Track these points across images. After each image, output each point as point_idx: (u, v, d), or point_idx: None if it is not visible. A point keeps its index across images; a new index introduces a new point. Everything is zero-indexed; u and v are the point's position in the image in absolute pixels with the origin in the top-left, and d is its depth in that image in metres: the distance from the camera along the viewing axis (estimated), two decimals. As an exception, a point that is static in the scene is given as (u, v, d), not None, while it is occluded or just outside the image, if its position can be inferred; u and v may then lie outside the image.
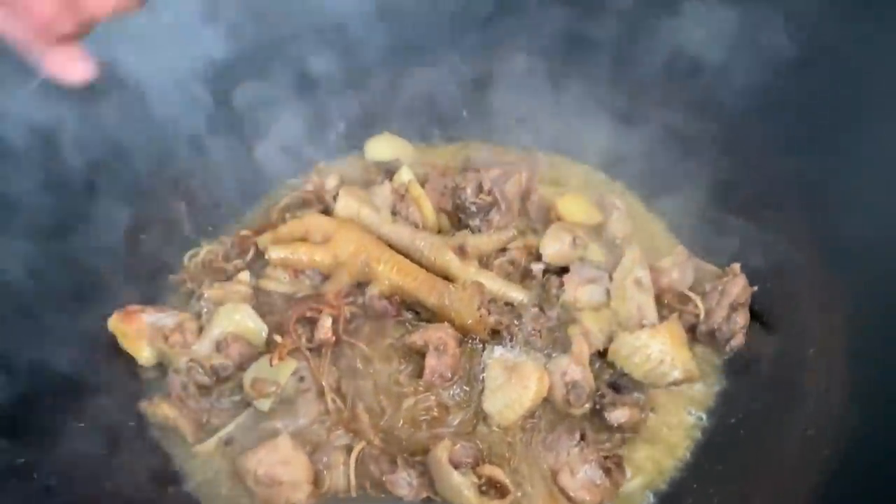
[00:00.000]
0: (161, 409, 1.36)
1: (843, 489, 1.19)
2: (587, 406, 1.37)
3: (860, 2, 1.49)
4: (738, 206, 1.67)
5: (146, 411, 1.40)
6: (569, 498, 1.27)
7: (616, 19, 1.77)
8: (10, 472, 1.19)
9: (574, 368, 1.38)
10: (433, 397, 1.40)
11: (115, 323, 1.47)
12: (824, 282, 1.46)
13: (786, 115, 1.61)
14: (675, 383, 1.41)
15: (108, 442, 1.35)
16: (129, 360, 1.48)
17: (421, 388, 1.41)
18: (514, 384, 1.36)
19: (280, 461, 1.26)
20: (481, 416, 1.37)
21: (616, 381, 1.42)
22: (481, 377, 1.41)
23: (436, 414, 1.38)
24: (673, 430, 1.38)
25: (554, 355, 1.43)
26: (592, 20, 1.80)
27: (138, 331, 1.47)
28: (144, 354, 1.46)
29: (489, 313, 1.45)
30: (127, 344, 1.47)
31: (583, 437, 1.31)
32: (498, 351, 1.43)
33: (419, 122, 1.99)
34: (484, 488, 1.24)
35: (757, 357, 1.46)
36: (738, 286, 1.46)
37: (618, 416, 1.34)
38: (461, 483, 1.21)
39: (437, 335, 1.43)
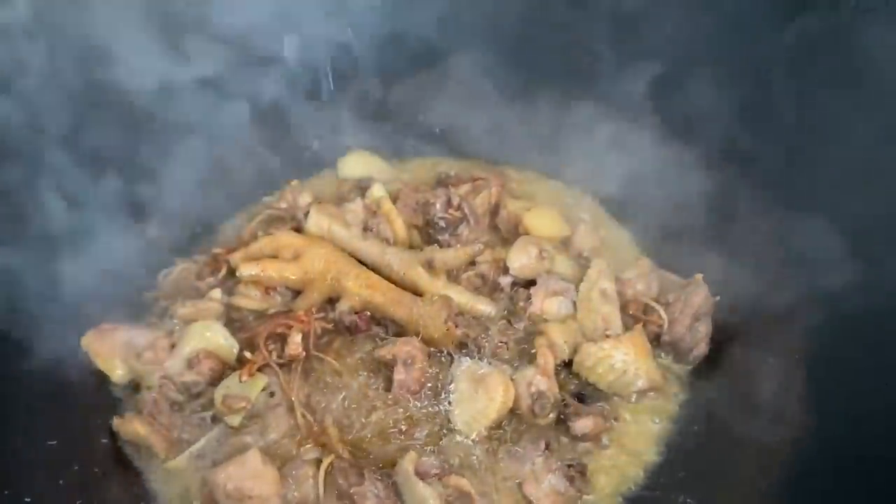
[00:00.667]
0: (133, 426, 1.37)
1: (802, 494, 1.22)
2: (552, 416, 1.39)
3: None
4: (701, 220, 1.70)
5: (118, 428, 1.41)
6: (536, 510, 1.28)
7: (594, 32, 1.81)
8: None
9: (539, 379, 1.40)
10: (401, 410, 1.42)
11: (88, 341, 1.49)
12: (784, 293, 1.49)
13: (752, 133, 1.65)
14: (640, 392, 1.44)
15: (82, 459, 1.36)
16: (102, 378, 1.49)
17: (389, 402, 1.43)
18: (480, 395, 1.39)
19: (249, 476, 1.28)
20: (448, 428, 1.39)
21: (581, 391, 1.45)
22: (449, 389, 1.43)
23: (404, 427, 1.40)
24: (637, 438, 1.40)
25: (520, 367, 1.46)
26: (572, 35, 1.85)
27: (111, 349, 1.48)
28: (117, 372, 1.48)
29: (456, 326, 1.48)
30: (100, 362, 1.49)
31: (547, 447, 1.33)
32: (465, 363, 1.45)
33: (392, 138, 2.03)
34: (451, 499, 1.26)
35: (719, 366, 1.49)
36: (700, 296, 1.49)
37: (582, 425, 1.36)
38: (428, 494, 1.23)
39: (406, 349, 1.45)
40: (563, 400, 1.40)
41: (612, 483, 1.34)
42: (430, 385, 1.45)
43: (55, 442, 1.36)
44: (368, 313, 1.55)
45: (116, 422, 1.42)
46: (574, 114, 1.91)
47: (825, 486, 1.20)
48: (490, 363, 1.46)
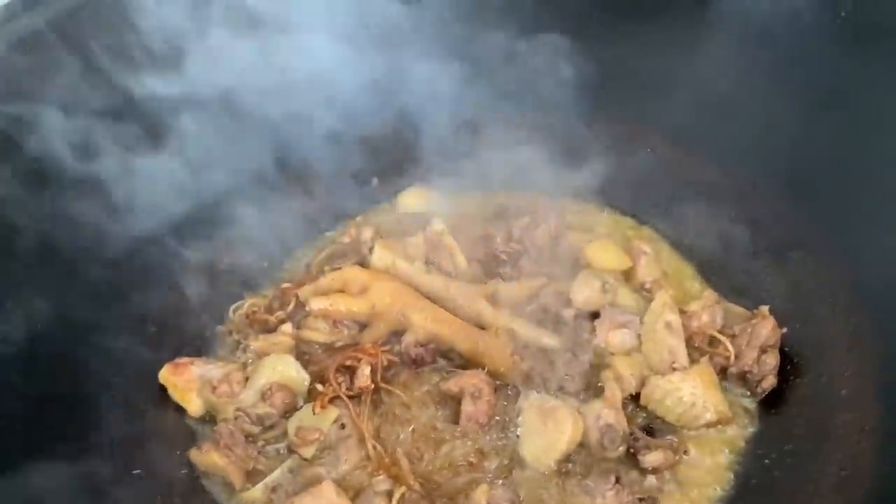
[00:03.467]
0: (210, 457, 1.42)
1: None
2: (621, 449, 1.39)
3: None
4: (765, 249, 1.70)
5: (196, 459, 1.45)
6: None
7: (643, 61, 1.84)
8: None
9: (607, 412, 1.41)
10: (470, 442, 1.44)
11: (165, 375, 1.55)
12: (853, 322, 1.48)
13: (811, 156, 1.65)
14: (708, 425, 1.44)
15: (163, 489, 1.41)
16: (179, 411, 1.55)
17: (458, 434, 1.45)
18: (549, 429, 1.40)
19: (324, 507, 1.31)
20: (517, 461, 1.41)
21: (649, 424, 1.45)
22: (517, 422, 1.45)
23: (473, 459, 1.42)
24: (707, 473, 1.40)
25: (587, 400, 1.46)
26: (620, 63, 1.88)
27: (188, 382, 1.54)
28: (194, 405, 1.53)
29: (522, 359, 1.50)
30: (177, 395, 1.54)
31: (618, 480, 1.33)
32: (533, 396, 1.47)
33: (450, 172, 2.07)
34: None
35: (788, 398, 1.48)
36: (767, 328, 1.48)
37: (652, 459, 1.36)
38: None
39: (472, 381, 1.48)
40: (632, 433, 1.40)
41: (684, 517, 1.33)
42: (497, 418, 1.47)
43: (140, 471, 1.41)
44: (434, 346, 1.57)
45: (194, 453, 1.46)
46: (630, 144, 1.94)
47: None
48: (557, 396, 1.47)
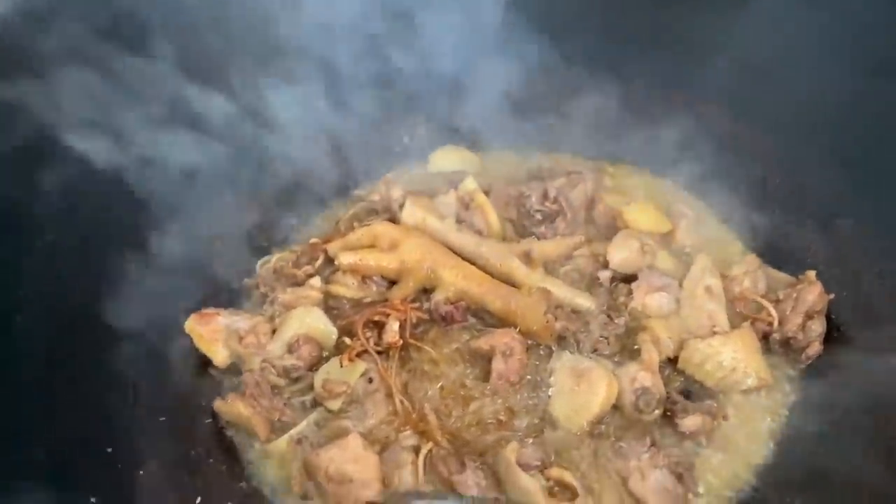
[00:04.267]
0: (235, 407, 1.40)
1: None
2: (657, 413, 1.35)
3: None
4: (810, 216, 1.63)
5: (220, 409, 1.43)
6: (639, 503, 1.24)
7: (684, 25, 1.77)
8: (98, 460, 1.24)
9: (643, 375, 1.36)
10: (500, 400, 1.40)
11: (191, 325, 1.52)
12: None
13: (860, 123, 1.57)
14: (749, 391, 1.38)
15: (186, 438, 1.39)
16: (204, 361, 1.53)
17: (487, 392, 1.42)
18: (582, 389, 1.35)
19: (350, 459, 1.28)
20: (548, 421, 1.37)
21: (687, 388, 1.40)
22: (549, 382, 1.40)
23: (503, 418, 1.38)
24: (746, 438, 1.35)
25: (622, 363, 1.42)
26: (661, 28, 1.81)
27: (214, 332, 1.51)
28: (220, 355, 1.51)
29: (556, 319, 1.45)
30: (203, 345, 1.52)
31: (653, 444, 1.29)
32: (566, 356, 1.42)
33: (482, 132, 2.02)
34: (553, 490, 1.23)
35: (834, 367, 1.42)
36: (813, 293, 1.42)
37: (690, 423, 1.32)
38: (530, 484, 1.20)
39: (504, 340, 1.43)
40: (669, 396, 1.35)
41: (720, 482, 1.29)
42: (528, 377, 1.43)
43: (164, 419, 1.39)
44: (464, 304, 1.53)
45: (218, 403, 1.44)
46: (670, 107, 1.87)
47: None
48: (591, 358, 1.42)
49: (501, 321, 1.50)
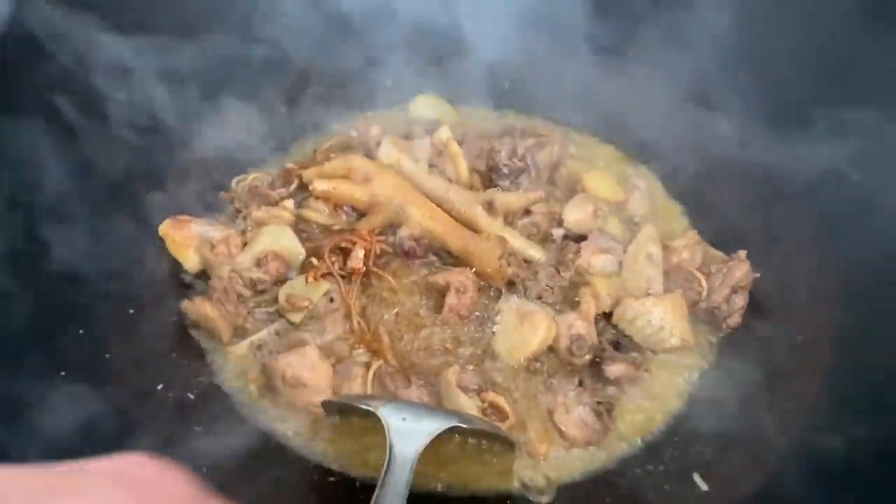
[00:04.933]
0: (203, 308, 1.49)
1: (812, 465, 1.30)
2: (587, 358, 1.49)
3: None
4: (751, 202, 1.77)
5: (187, 310, 1.52)
6: (561, 433, 1.39)
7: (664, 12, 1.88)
8: (72, 340, 1.32)
9: (580, 324, 1.50)
10: (449, 331, 1.53)
11: (165, 229, 1.60)
12: (821, 279, 1.57)
13: (813, 120, 1.70)
14: (672, 350, 1.54)
15: (153, 333, 1.48)
16: (175, 265, 1.61)
17: (438, 322, 1.54)
18: (524, 329, 1.49)
19: (307, 367, 1.39)
20: (490, 354, 1.50)
21: (617, 340, 1.54)
22: (495, 320, 1.53)
23: (449, 346, 1.51)
24: (664, 390, 1.50)
25: (563, 311, 1.55)
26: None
27: (187, 238, 1.59)
28: (190, 261, 1.59)
29: (508, 264, 1.57)
30: (175, 249, 1.60)
31: (580, 384, 1.43)
32: (513, 299, 1.55)
33: (462, 87, 2.11)
34: (486, 412, 1.37)
35: (750, 338, 1.57)
36: (741, 270, 1.57)
37: (615, 370, 1.46)
38: (466, 403, 1.34)
39: (459, 278, 1.55)
40: (600, 345, 1.49)
41: (635, 424, 1.44)
42: (477, 314, 1.55)
43: (132, 311, 1.48)
44: (427, 241, 1.64)
45: (186, 304, 1.53)
46: (639, 84, 1.99)
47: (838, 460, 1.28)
48: (535, 303, 1.55)
49: (459, 261, 1.62)
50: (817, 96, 1.67)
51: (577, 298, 1.58)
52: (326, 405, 1.32)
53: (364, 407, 1.20)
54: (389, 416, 1.15)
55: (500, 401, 1.37)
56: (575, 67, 2.05)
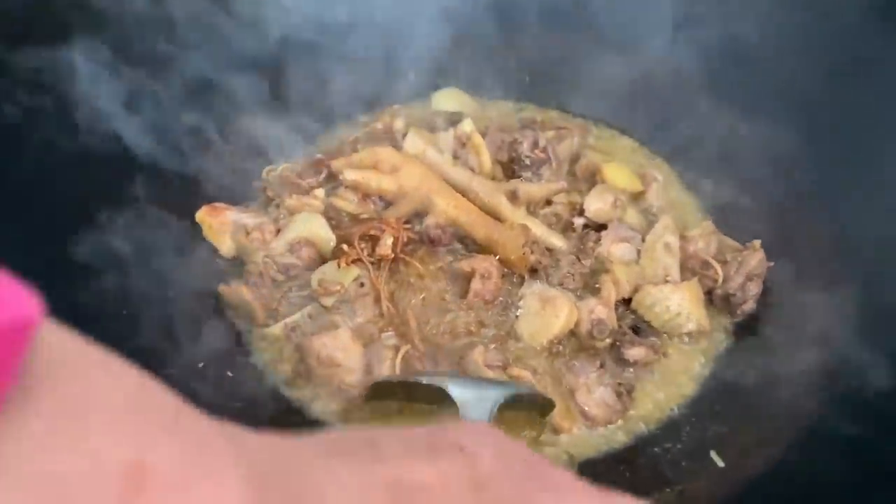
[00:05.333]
0: (239, 291, 1.56)
1: (816, 439, 1.36)
2: (608, 341, 1.55)
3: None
4: (767, 199, 1.83)
5: (224, 293, 1.59)
6: (583, 412, 1.45)
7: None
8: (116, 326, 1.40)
9: (601, 309, 1.56)
10: (473, 315, 1.59)
11: (202, 215, 1.67)
12: (834, 272, 1.63)
13: (824, 118, 1.76)
14: (689, 334, 1.60)
15: (191, 312, 1.55)
16: (211, 249, 1.68)
17: (463, 307, 1.60)
18: (546, 312, 1.55)
19: (340, 347, 1.46)
20: (513, 335, 1.57)
21: (636, 325, 1.60)
22: (518, 304, 1.60)
23: (473, 329, 1.57)
24: (681, 374, 1.56)
25: (584, 297, 1.61)
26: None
27: (222, 224, 1.67)
28: (226, 246, 1.66)
29: (532, 252, 1.64)
30: (211, 235, 1.67)
31: (602, 366, 1.50)
32: (536, 285, 1.61)
33: (483, 81, 2.16)
34: None
35: (763, 324, 1.63)
36: (755, 259, 1.63)
37: (634, 353, 1.52)
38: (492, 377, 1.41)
39: (484, 265, 1.62)
40: (621, 328, 1.55)
41: (654, 405, 1.50)
42: (501, 299, 1.62)
43: (172, 294, 1.55)
44: (452, 230, 1.70)
45: (223, 287, 1.60)
46: (657, 77, 2.04)
47: (833, 444, 1.34)
48: (557, 289, 1.62)
49: (483, 249, 1.69)
50: (837, 97, 1.73)
51: (597, 285, 1.64)
52: (376, 387, 1.37)
53: (429, 382, 1.25)
54: (455, 389, 1.20)
55: (526, 374, 1.44)
56: (594, 60, 2.10)
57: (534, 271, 1.66)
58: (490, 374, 1.41)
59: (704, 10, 1.96)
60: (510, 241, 1.65)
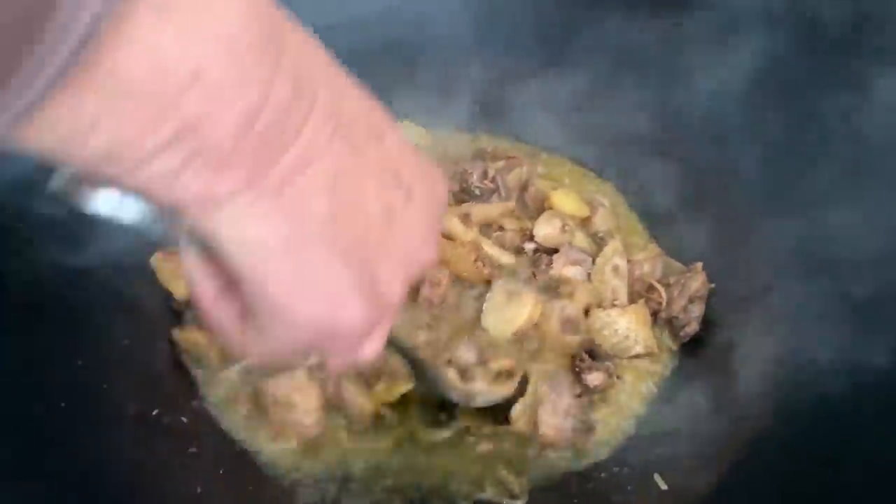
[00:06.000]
0: (193, 336, 1.57)
1: (756, 460, 1.41)
2: (578, 338, 1.63)
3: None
4: (709, 216, 1.89)
5: (178, 338, 1.61)
6: (536, 426, 1.50)
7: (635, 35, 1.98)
8: (69, 371, 1.41)
9: (571, 307, 1.63)
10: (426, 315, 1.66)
11: (157, 261, 1.68)
12: (775, 291, 1.68)
13: (765, 130, 1.82)
14: (637, 356, 1.65)
15: (146, 360, 1.57)
16: (167, 294, 1.69)
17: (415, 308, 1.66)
18: (512, 305, 1.61)
19: (296, 388, 1.48)
20: (478, 327, 1.64)
21: (591, 348, 1.65)
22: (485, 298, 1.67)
23: (430, 323, 1.65)
24: (631, 397, 1.61)
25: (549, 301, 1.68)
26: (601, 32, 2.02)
27: (177, 269, 1.67)
28: (180, 290, 1.67)
29: (483, 265, 1.70)
30: (165, 280, 1.67)
31: (580, 395, 1.54)
32: (501, 282, 1.68)
33: (435, 113, 2.20)
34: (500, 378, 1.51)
35: (706, 345, 1.69)
36: (697, 282, 1.69)
37: (593, 378, 1.56)
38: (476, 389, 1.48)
39: (435, 273, 1.67)
40: (578, 355, 1.60)
41: (604, 429, 1.55)
42: (453, 302, 1.69)
43: (127, 342, 1.56)
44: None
45: (177, 331, 1.61)
46: (604, 106, 2.09)
47: (781, 457, 1.40)
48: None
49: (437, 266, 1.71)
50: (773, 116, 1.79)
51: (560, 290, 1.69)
52: None
53: None
54: None
55: (509, 364, 1.50)
56: (545, 89, 2.15)
57: (488, 283, 1.70)
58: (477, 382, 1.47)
59: (660, 37, 1.99)
60: (462, 257, 1.70)
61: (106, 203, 0.62)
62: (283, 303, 0.60)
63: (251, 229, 0.55)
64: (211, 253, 0.61)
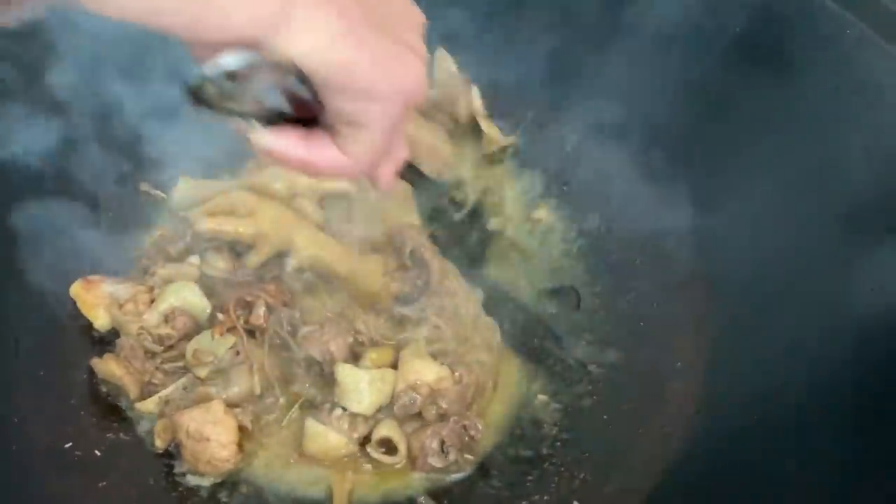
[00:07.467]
0: (109, 366, 1.56)
1: (685, 477, 1.44)
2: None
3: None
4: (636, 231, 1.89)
5: (96, 367, 1.59)
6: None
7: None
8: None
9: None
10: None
11: (76, 290, 1.66)
12: (701, 310, 1.70)
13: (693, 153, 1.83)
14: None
15: (62, 390, 1.56)
16: (86, 322, 1.67)
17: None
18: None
19: (211, 421, 1.47)
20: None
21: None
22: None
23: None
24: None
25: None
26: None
27: (96, 298, 1.66)
28: (100, 319, 1.66)
29: (392, 280, 1.70)
30: (85, 309, 1.66)
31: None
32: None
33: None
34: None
35: (634, 363, 1.69)
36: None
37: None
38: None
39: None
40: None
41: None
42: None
43: (42, 372, 1.54)
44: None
45: (94, 361, 1.60)
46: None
47: (706, 473, 1.43)
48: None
49: (346, 283, 1.70)
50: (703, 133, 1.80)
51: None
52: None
53: None
54: None
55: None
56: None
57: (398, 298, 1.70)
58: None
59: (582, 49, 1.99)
60: (372, 273, 1.68)
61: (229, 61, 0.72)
62: (369, 82, 0.75)
63: (321, 33, 0.69)
64: (290, 89, 0.75)
